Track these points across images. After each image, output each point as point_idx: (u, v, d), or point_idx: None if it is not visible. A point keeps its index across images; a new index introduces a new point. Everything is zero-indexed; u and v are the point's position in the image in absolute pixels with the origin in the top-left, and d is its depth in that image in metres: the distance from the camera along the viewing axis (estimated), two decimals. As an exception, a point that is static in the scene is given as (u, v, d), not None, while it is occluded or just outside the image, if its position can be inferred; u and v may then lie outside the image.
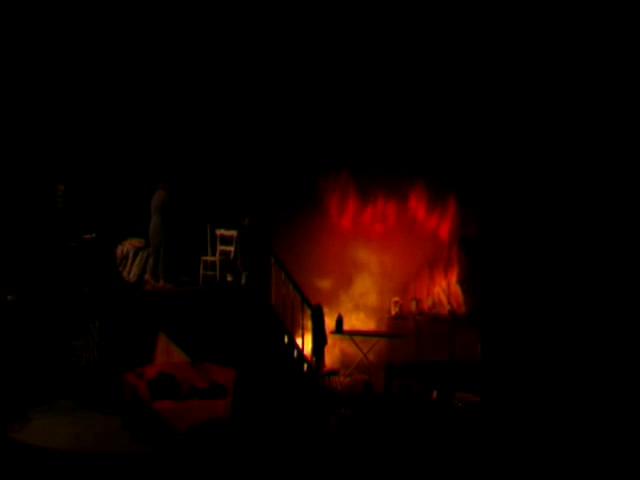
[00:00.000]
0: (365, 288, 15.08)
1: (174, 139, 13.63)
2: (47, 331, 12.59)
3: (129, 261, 13.23)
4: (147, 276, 13.12)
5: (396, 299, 14.66)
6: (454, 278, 14.75)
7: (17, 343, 12.12)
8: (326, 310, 13.54)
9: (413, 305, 14.67)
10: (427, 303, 14.82)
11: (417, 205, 14.94)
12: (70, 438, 10.44)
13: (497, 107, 13.71)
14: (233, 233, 13.85)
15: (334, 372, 13.24)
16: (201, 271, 13.63)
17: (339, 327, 14.14)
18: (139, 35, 13.44)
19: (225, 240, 13.94)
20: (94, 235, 13.31)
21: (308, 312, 13.33)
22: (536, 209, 13.63)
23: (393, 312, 14.66)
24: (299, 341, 13.40)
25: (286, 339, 13.33)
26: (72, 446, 10.19)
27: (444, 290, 14.82)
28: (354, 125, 14.56)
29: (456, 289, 14.72)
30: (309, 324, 13.28)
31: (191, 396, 10.99)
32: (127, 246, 13.32)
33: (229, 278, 13.67)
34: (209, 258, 13.83)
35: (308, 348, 13.30)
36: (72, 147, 13.70)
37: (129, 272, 13.14)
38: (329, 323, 13.78)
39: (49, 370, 12.20)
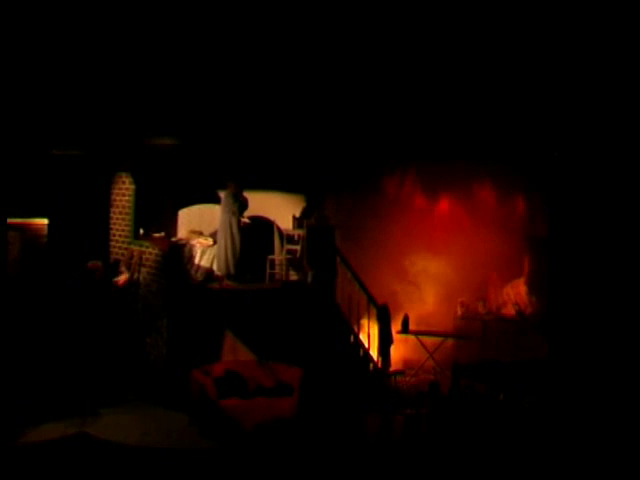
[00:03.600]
0: (431, 288, 14.99)
1: (244, 138, 13.60)
2: (118, 328, 12.84)
3: (196, 260, 13.36)
4: (218, 274, 13.26)
5: (462, 299, 14.54)
6: (522, 278, 14.56)
7: (90, 340, 12.39)
8: (391, 309, 13.52)
9: (480, 305, 14.54)
10: (494, 303, 14.66)
11: (485, 204, 14.76)
12: (139, 433, 10.63)
13: (569, 101, 13.42)
14: (299, 232, 13.91)
15: (400, 372, 13.20)
16: (267, 270, 13.71)
17: (405, 327, 14.10)
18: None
19: (291, 239, 14.01)
20: (163, 234, 13.50)
21: (374, 311, 13.33)
22: (608, 208, 13.34)
23: (459, 312, 14.56)
24: (365, 340, 13.40)
25: (352, 338, 13.34)
26: (141, 441, 10.38)
27: (512, 290, 14.63)
28: (420, 123, 14.43)
29: (524, 289, 14.52)
30: (375, 324, 13.30)
31: (257, 394, 11.06)
32: (194, 245, 13.46)
33: (295, 277, 13.74)
34: (275, 257, 13.91)
35: (374, 348, 13.31)
36: (139, 145, 13.77)
37: (196, 271, 13.26)
38: (394, 323, 13.76)
39: (119, 367, 12.43)
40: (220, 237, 13.17)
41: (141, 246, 13.39)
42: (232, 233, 13.09)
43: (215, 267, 13.21)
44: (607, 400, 11.45)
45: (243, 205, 13.33)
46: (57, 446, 10.07)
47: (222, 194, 13.35)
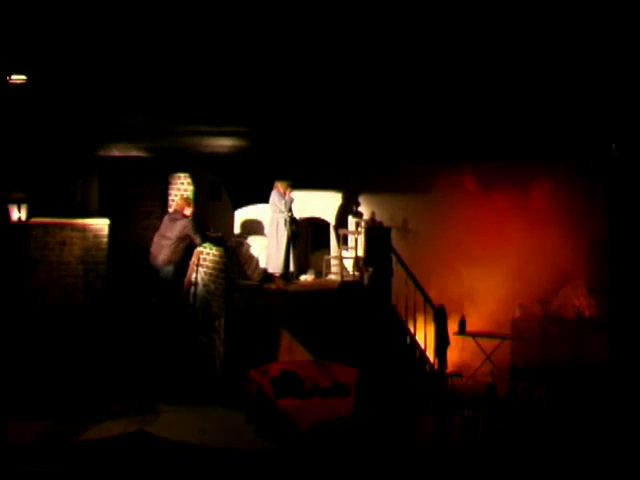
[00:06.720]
0: (488, 289, 14.82)
1: (303, 139, 13.59)
2: (176, 328, 13.00)
3: (253, 260, 13.45)
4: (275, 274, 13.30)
5: (521, 301, 14.37)
6: (582, 280, 14.33)
7: (149, 339, 12.57)
8: (448, 311, 13.44)
9: (538, 307, 14.35)
10: (553, 305, 14.47)
11: (543, 206, 14.56)
12: (197, 432, 10.74)
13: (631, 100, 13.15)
14: (356, 232, 13.92)
15: (457, 374, 13.11)
16: (324, 270, 13.75)
17: (462, 328, 14.00)
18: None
19: (348, 240, 14.04)
20: (220, 234, 13.60)
21: (430, 313, 13.28)
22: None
23: (517, 314, 14.39)
24: (421, 342, 13.36)
25: (408, 339, 13.31)
26: (199, 440, 10.49)
27: (571, 292, 14.42)
28: (477, 122, 14.26)
29: (584, 291, 14.30)
30: (431, 325, 13.24)
31: (313, 394, 11.09)
32: (251, 245, 13.54)
33: (351, 277, 13.74)
34: (332, 257, 13.94)
35: (430, 349, 13.26)
36: (198, 146, 13.87)
37: (253, 271, 13.34)
38: (451, 325, 13.68)
39: (177, 366, 12.59)
40: (268, 236, 13.25)
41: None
42: (278, 232, 13.07)
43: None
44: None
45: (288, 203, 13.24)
46: (117, 443, 10.26)
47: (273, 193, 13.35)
